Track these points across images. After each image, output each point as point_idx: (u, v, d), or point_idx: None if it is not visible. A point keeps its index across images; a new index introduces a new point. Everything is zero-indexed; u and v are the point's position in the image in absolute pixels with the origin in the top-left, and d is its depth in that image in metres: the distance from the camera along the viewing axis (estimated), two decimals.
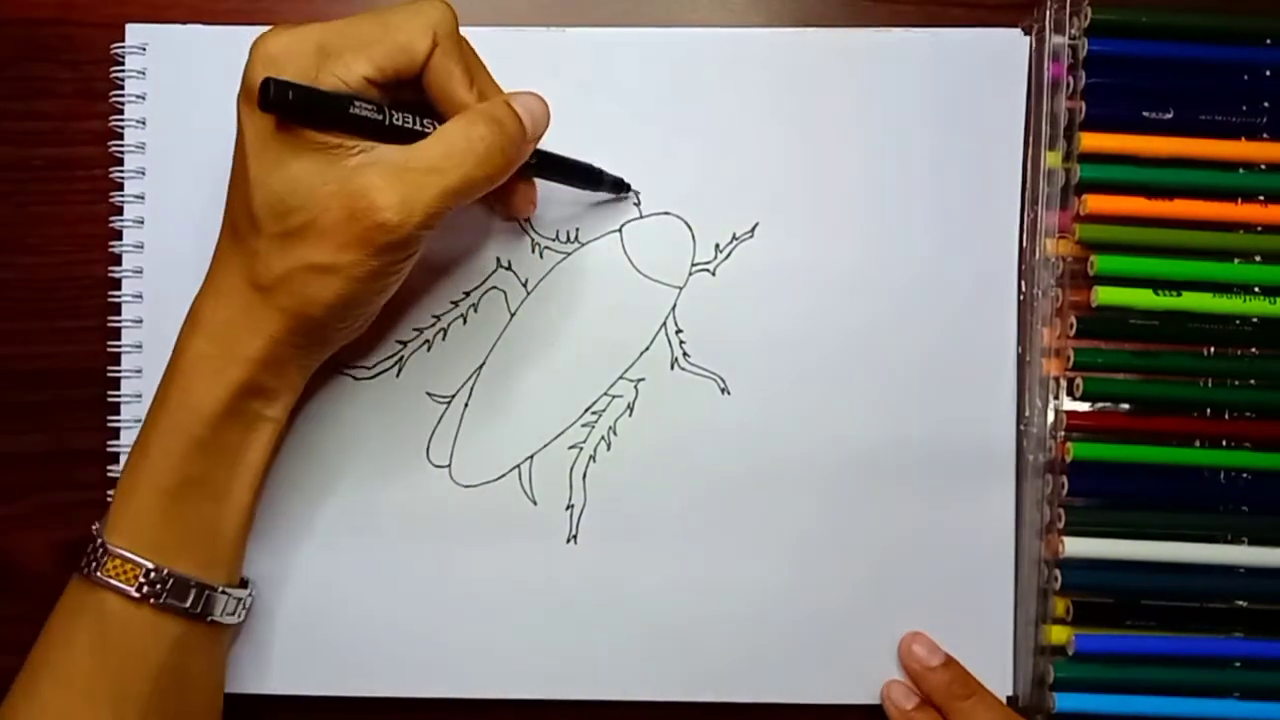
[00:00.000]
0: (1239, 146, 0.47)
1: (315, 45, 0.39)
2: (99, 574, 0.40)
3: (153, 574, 0.41)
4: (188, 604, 0.41)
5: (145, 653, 0.41)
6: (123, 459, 0.47)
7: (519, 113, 0.41)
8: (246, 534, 0.44)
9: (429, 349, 0.48)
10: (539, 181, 0.46)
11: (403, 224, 0.38)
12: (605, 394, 0.48)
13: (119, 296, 0.49)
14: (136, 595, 0.40)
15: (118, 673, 0.41)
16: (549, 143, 0.44)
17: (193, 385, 0.41)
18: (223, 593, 0.43)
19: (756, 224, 0.49)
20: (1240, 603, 0.47)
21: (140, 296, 0.48)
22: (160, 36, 0.48)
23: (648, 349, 0.49)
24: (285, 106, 0.37)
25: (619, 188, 0.48)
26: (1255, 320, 0.47)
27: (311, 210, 0.39)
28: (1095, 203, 0.47)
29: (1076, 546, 0.47)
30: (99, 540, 0.41)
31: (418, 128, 0.40)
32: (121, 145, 0.49)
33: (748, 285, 0.48)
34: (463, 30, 0.41)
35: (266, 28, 0.48)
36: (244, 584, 0.45)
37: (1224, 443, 0.47)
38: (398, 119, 0.39)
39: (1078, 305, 0.47)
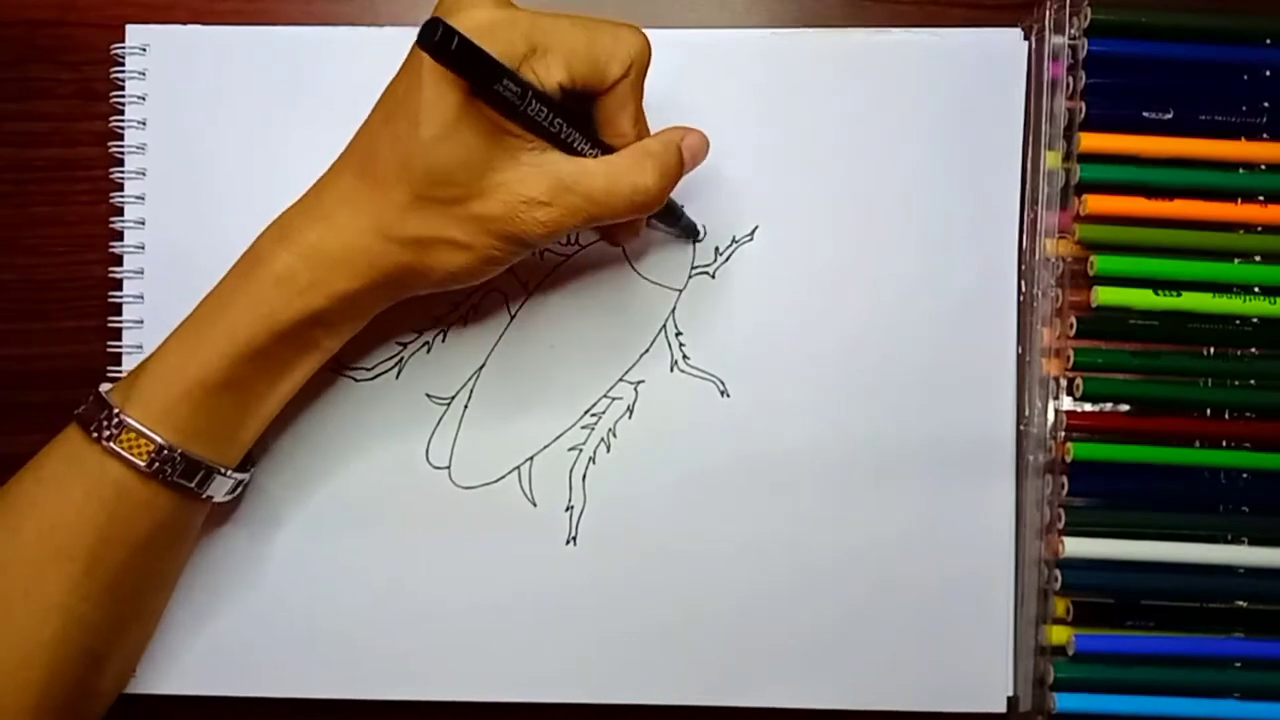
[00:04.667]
0: (1239, 146, 0.47)
1: (524, 36, 0.38)
2: (110, 443, 0.41)
3: (165, 452, 0.41)
4: (193, 483, 0.42)
5: (134, 525, 0.42)
6: None
7: (685, 158, 0.42)
8: (260, 433, 0.45)
9: (429, 350, 0.48)
10: None
11: (545, 237, 0.40)
12: (605, 396, 0.48)
13: (119, 297, 0.49)
14: (145, 470, 0.41)
15: (102, 538, 0.41)
16: None
17: (270, 299, 0.41)
18: (227, 475, 0.43)
19: (756, 227, 0.49)
20: (1240, 603, 0.47)
21: (141, 297, 0.48)
22: (160, 37, 0.48)
23: (647, 351, 0.49)
24: (445, 54, 0.35)
25: (690, 231, 0.48)
26: (1255, 320, 0.47)
27: (471, 190, 0.39)
28: (1095, 203, 0.47)
29: (1077, 547, 0.46)
30: (115, 410, 0.41)
31: (580, 146, 0.40)
32: (122, 146, 0.49)
33: (747, 288, 0.49)
34: None
35: (266, 27, 0.49)
36: (244, 465, 0.46)
37: (1224, 443, 0.47)
38: (567, 134, 0.39)
39: (1078, 305, 0.47)
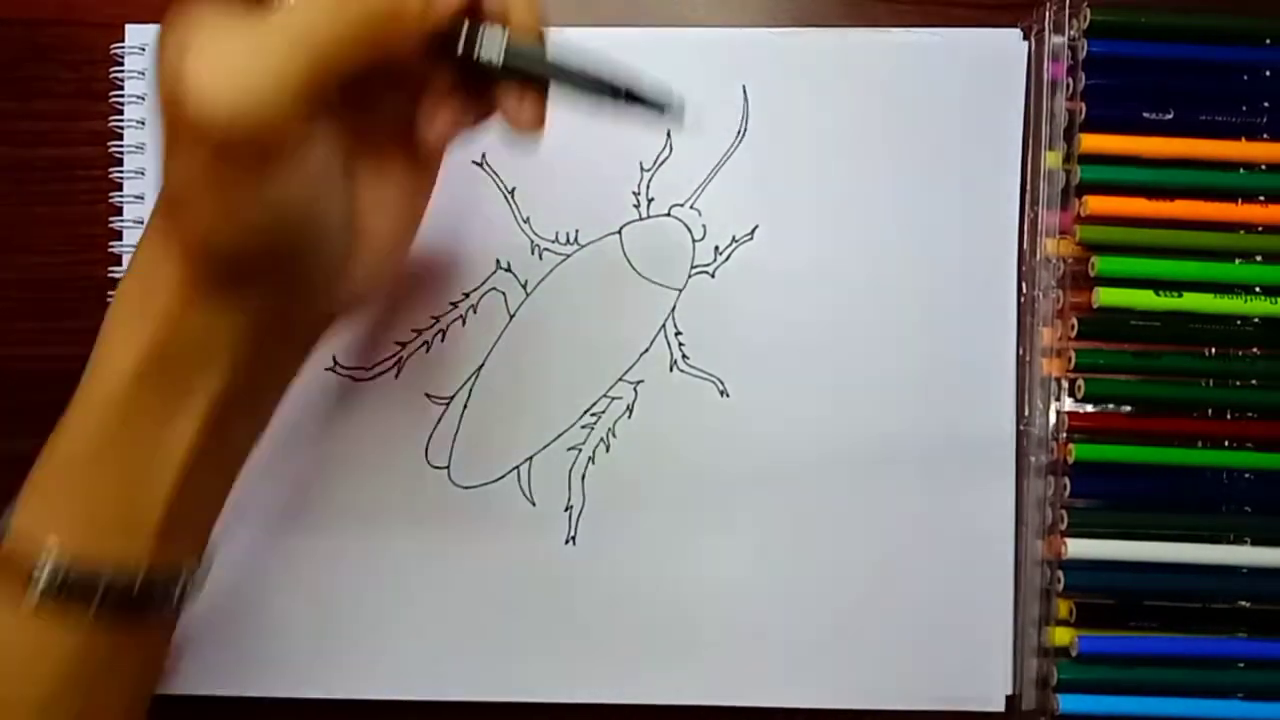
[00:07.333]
0: (1239, 146, 0.47)
1: None
2: None
3: (49, 567, 0.34)
4: (95, 599, 0.34)
5: (37, 660, 0.35)
6: None
7: None
8: (171, 521, 0.35)
9: (428, 350, 0.48)
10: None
11: (230, 114, 0.28)
12: (604, 396, 0.48)
13: None
14: (31, 600, 0.34)
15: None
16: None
17: (110, 345, 0.35)
18: (145, 580, 0.35)
19: (756, 226, 0.49)
20: (1243, 603, 0.47)
21: None
22: None
23: (647, 351, 0.48)
24: None
25: (658, 103, 0.34)
26: (1257, 320, 0.47)
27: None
28: (1096, 204, 0.47)
29: (1079, 548, 0.46)
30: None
31: None
32: (121, 146, 0.49)
33: (747, 287, 0.48)
34: None
35: None
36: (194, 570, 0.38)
37: (1226, 443, 0.47)
38: None
39: (1078, 306, 0.47)
